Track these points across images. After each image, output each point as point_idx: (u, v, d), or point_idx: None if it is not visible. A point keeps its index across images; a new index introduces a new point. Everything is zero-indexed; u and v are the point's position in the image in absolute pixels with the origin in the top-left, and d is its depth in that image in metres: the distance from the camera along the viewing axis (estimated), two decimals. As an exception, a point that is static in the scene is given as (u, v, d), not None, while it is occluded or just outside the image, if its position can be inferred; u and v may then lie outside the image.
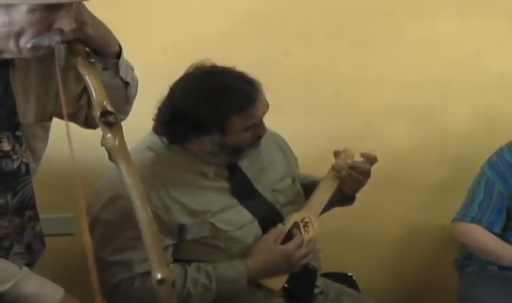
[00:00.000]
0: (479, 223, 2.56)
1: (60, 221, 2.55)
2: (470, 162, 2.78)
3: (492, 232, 2.55)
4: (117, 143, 1.54)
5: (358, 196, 2.34)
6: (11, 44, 1.59)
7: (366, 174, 2.26)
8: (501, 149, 2.62)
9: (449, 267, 2.73)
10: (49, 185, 2.43)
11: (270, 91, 2.61)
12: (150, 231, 1.58)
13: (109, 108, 1.54)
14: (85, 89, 1.84)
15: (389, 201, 2.95)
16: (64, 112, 1.60)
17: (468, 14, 2.88)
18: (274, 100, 2.64)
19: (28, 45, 1.59)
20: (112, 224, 2.02)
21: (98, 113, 1.54)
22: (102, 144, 1.55)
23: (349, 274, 2.60)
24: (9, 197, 1.73)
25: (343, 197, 2.33)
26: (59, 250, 2.51)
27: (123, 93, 1.85)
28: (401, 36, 2.86)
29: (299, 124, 2.78)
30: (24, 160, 1.75)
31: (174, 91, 2.10)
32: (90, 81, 1.57)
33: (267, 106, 2.12)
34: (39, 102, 1.79)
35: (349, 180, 2.25)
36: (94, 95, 1.56)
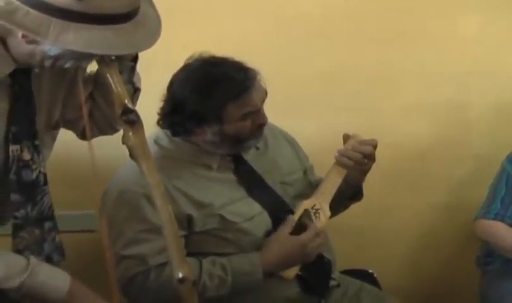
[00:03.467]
0: (502, 219, 2.55)
1: (81, 217, 2.57)
2: (491, 158, 2.77)
3: None
4: (138, 141, 1.54)
5: (378, 192, 2.33)
6: (41, 62, 1.60)
7: (369, 156, 2.22)
8: None
9: (471, 265, 2.72)
10: (72, 182, 2.46)
11: (291, 91, 2.63)
12: (170, 230, 1.58)
13: (130, 106, 1.54)
14: (89, 98, 1.87)
15: (409, 198, 2.94)
16: (85, 113, 1.60)
17: (489, 10, 2.86)
18: (295, 100, 2.67)
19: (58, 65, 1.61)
20: (121, 218, 2.04)
21: (119, 111, 1.54)
22: (123, 143, 1.55)
23: (370, 271, 2.59)
24: (29, 208, 1.74)
25: (351, 191, 2.31)
26: (81, 246, 2.53)
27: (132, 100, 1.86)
28: (422, 33, 2.84)
29: (320, 123, 2.79)
30: (42, 169, 1.76)
31: (173, 83, 2.13)
32: (111, 78, 1.56)
33: (264, 94, 2.12)
34: (48, 108, 1.80)
35: (355, 164, 2.22)
36: (115, 92, 1.55)
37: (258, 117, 2.12)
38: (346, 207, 2.38)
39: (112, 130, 1.95)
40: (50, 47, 1.53)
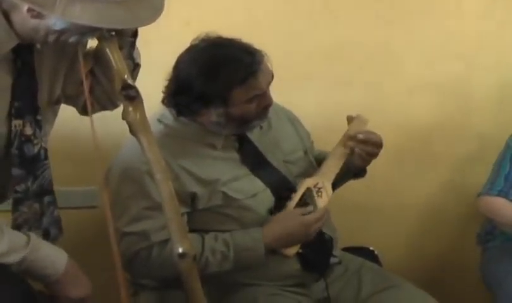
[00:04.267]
0: (505, 196, 2.55)
1: (83, 194, 2.58)
2: (494, 137, 2.76)
3: None
4: (138, 117, 1.55)
5: (381, 170, 2.33)
6: (44, 37, 1.60)
7: (379, 145, 2.24)
8: None
9: (473, 243, 2.72)
10: (73, 159, 2.47)
11: (293, 67, 2.62)
12: (171, 206, 1.59)
13: (130, 82, 1.55)
14: (90, 74, 1.87)
15: (412, 176, 2.94)
16: (86, 88, 1.60)
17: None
18: (298, 76, 2.66)
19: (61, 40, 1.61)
20: (125, 195, 2.05)
21: (119, 87, 1.54)
22: (123, 118, 1.56)
23: (371, 248, 2.60)
24: (29, 183, 1.75)
25: (355, 169, 2.32)
26: (83, 223, 2.54)
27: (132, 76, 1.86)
28: (427, 10, 2.83)
29: (323, 99, 2.78)
30: (43, 144, 1.77)
31: (179, 63, 2.12)
32: (111, 54, 1.57)
33: (271, 77, 2.12)
34: (49, 84, 1.81)
35: (362, 153, 2.23)
36: (115, 68, 1.56)
37: (264, 99, 2.12)
38: (345, 182, 2.38)
39: (113, 105, 1.96)
40: (55, 22, 1.53)
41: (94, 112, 1.88)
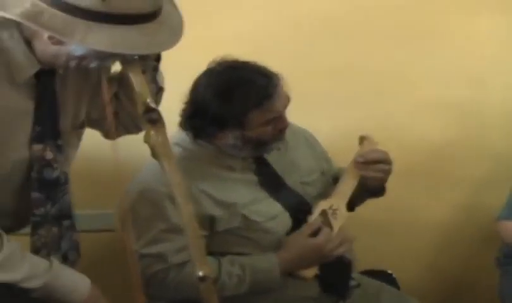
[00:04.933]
0: None
1: (103, 217, 2.57)
2: (509, 158, 2.76)
3: None
4: (160, 140, 1.55)
5: (394, 192, 2.31)
6: (66, 63, 1.62)
7: (388, 161, 2.23)
8: None
9: (491, 265, 2.71)
10: (91, 182, 2.47)
11: (302, 89, 2.61)
12: (191, 229, 1.59)
13: (153, 105, 1.54)
14: (114, 98, 1.88)
15: (427, 198, 2.93)
16: (109, 112, 1.61)
17: (508, 9, 2.85)
18: (307, 98, 2.66)
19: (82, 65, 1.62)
20: (143, 217, 2.05)
21: (141, 110, 1.54)
22: (145, 141, 1.56)
23: (389, 271, 2.59)
24: (48, 207, 1.76)
25: (373, 189, 2.30)
26: (101, 246, 2.54)
27: (155, 100, 1.86)
28: (438, 31, 2.83)
29: (332, 122, 2.78)
30: (63, 169, 1.78)
31: (196, 86, 2.12)
32: (134, 77, 1.57)
33: (287, 100, 2.12)
34: (74, 108, 1.82)
35: (376, 174, 2.23)
36: (137, 92, 1.56)
37: (280, 122, 2.12)
38: (364, 200, 2.37)
39: (137, 129, 1.96)
40: (75, 48, 1.54)
41: (119, 135, 1.90)
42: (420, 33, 2.82)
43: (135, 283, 1.62)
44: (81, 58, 1.58)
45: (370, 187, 2.28)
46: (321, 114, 2.74)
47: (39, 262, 1.66)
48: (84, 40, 1.48)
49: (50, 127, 1.73)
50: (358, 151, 2.26)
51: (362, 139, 2.28)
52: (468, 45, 2.86)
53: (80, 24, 1.47)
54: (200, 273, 1.58)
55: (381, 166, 2.23)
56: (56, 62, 1.63)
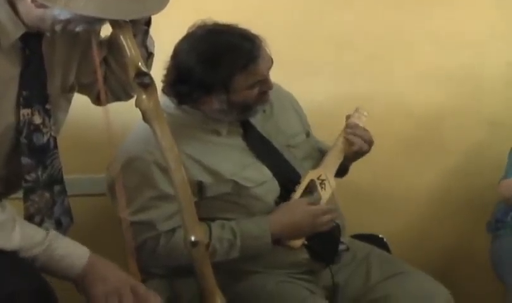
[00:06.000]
0: None
1: (93, 181, 2.56)
2: (505, 124, 2.75)
3: None
4: (151, 104, 1.53)
5: (391, 158, 2.32)
6: (51, 26, 1.59)
7: (368, 141, 2.27)
8: None
9: (482, 231, 2.72)
10: (82, 146, 2.46)
11: (303, 55, 2.61)
12: (184, 194, 1.59)
13: (144, 68, 1.53)
14: (104, 62, 1.86)
15: (423, 164, 2.93)
16: (99, 77, 1.59)
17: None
18: (307, 64, 2.64)
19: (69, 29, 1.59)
20: (131, 185, 2.03)
21: (133, 74, 1.52)
22: (137, 106, 1.54)
23: (380, 236, 2.60)
24: (39, 172, 1.73)
25: (341, 167, 2.31)
26: (93, 210, 2.54)
27: (146, 64, 1.84)
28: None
29: (332, 88, 2.77)
30: (52, 133, 1.75)
31: (178, 52, 2.11)
32: (125, 40, 1.54)
33: (270, 62, 2.11)
34: (63, 72, 1.79)
35: (358, 145, 2.25)
36: (129, 55, 1.54)
37: (265, 85, 2.12)
38: None
39: (127, 96, 1.95)
40: (59, 12, 1.52)
41: (108, 102, 1.87)
42: (417, 1, 2.81)
43: (128, 250, 1.61)
44: (67, 22, 1.56)
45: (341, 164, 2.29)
46: (317, 80, 2.73)
47: (34, 233, 1.62)
48: (68, 5, 1.45)
49: (37, 91, 1.70)
50: (347, 121, 2.28)
51: (349, 117, 2.30)
52: (468, 10, 2.84)
53: None
54: (193, 238, 1.58)
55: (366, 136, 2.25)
56: (42, 26, 1.60)
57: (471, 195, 2.94)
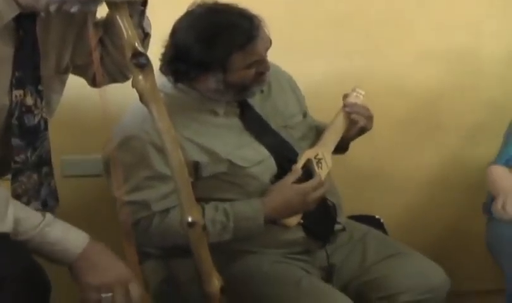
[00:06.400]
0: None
1: (88, 162, 2.56)
2: (503, 105, 2.75)
3: None
4: (148, 85, 1.53)
5: (388, 139, 2.30)
6: (46, 6, 1.58)
7: (369, 118, 2.27)
8: None
9: (479, 213, 2.72)
10: (80, 127, 2.45)
11: (300, 35, 2.60)
12: (181, 175, 1.58)
13: (140, 49, 1.52)
14: (100, 44, 1.85)
15: (420, 145, 2.92)
16: (95, 58, 1.58)
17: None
18: (305, 43, 2.63)
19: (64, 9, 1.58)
20: (127, 164, 2.03)
21: (129, 55, 1.51)
22: (133, 86, 1.54)
23: (376, 216, 2.60)
24: (29, 153, 1.73)
25: (341, 144, 2.32)
26: (88, 191, 2.53)
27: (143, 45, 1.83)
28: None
29: (330, 67, 2.75)
30: (43, 115, 1.75)
31: (176, 30, 2.10)
32: (121, 21, 1.53)
33: (269, 42, 2.11)
34: (57, 53, 1.78)
35: (355, 120, 2.26)
36: (125, 36, 1.53)
37: (263, 65, 2.11)
38: None
39: (124, 77, 1.93)
40: None
41: (104, 84, 1.86)
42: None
43: (123, 230, 1.61)
44: (62, 2, 1.55)
45: (341, 141, 2.29)
46: (315, 60, 2.71)
47: (28, 217, 1.60)
48: None
49: (30, 72, 1.70)
50: (345, 100, 2.28)
51: (346, 96, 2.30)
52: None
53: None
54: (189, 219, 1.59)
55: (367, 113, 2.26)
56: (36, 6, 1.59)
57: (468, 176, 2.93)
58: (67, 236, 1.61)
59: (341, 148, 2.34)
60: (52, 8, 1.57)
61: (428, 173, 2.97)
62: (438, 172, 2.98)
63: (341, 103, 2.27)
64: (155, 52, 1.94)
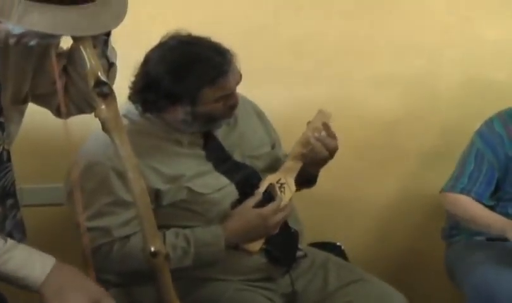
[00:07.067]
0: (468, 193, 2.54)
1: (49, 191, 2.54)
2: (460, 130, 2.78)
3: (481, 203, 2.53)
4: (111, 114, 1.52)
5: (346, 163, 2.31)
6: (5, 39, 1.56)
7: (332, 150, 2.25)
8: (491, 120, 2.59)
9: (438, 236, 2.75)
10: (38, 155, 2.43)
11: (259, 60, 2.62)
12: (143, 204, 1.57)
13: (103, 78, 1.51)
14: (63, 73, 1.83)
15: (377, 169, 2.94)
16: (59, 88, 1.57)
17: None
18: (263, 69, 2.65)
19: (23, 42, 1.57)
20: (89, 190, 2.02)
21: (92, 84, 1.51)
22: (96, 116, 1.53)
23: (337, 243, 2.61)
24: None
25: (307, 176, 2.32)
26: (50, 220, 2.51)
27: (107, 75, 1.82)
28: (391, 4, 2.84)
29: (289, 93, 2.78)
30: (5, 146, 1.72)
31: (149, 60, 2.10)
32: (84, 50, 1.53)
33: (239, 77, 2.12)
34: (16, 83, 1.76)
35: (318, 149, 2.23)
36: (88, 65, 1.53)
37: (232, 99, 2.12)
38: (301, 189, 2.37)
39: (90, 108, 1.90)
40: (13, 27, 1.50)
41: (70, 115, 1.85)
42: (373, 6, 2.82)
43: (85, 258, 1.59)
44: (21, 36, 1.53)
45: (306, 171, 2.29)
46: (273, 86, 2.73)
47: None
48: (21, 21, 1.43)
49: None
50: (310, 123, 2.26)
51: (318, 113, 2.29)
52: (421, 18, 2.86)
53: (18, 3, 1.41)
54: (152, 248, 1.57)
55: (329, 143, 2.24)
56: None
57: (426, 200, 2.96)
58: (29, 262, 1.58)
59: (308, 181, 2.34)
60: (12, 41, 1.56)
61: (386, 198, 3.00)
62: (398, 197, 3.00)
63: (301, 130, 2.28)
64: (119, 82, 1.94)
